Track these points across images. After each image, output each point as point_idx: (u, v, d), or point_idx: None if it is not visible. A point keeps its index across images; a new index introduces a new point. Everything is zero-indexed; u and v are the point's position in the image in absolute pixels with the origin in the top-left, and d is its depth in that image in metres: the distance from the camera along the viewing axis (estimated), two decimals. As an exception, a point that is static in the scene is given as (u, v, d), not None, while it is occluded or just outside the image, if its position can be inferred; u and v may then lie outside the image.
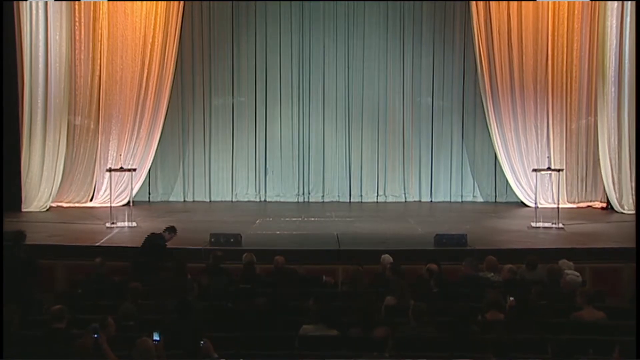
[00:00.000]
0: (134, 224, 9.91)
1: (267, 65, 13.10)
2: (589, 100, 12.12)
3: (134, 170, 10.84)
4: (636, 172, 10.68)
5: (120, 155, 11.39)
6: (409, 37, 13.06)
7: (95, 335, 4.39)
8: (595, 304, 5.64)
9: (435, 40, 13.03)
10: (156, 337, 4.45)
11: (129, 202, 10.66)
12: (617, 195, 11.38)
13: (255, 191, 13.23)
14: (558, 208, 10.05)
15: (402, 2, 12.92)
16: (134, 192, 11.29)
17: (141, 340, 4.39)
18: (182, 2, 12.12)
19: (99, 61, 11.95)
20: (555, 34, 12.00)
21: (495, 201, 13.00)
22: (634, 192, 11.03)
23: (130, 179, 10.86)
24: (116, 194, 11.55)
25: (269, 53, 13.07)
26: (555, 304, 5.89)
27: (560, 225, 9.81)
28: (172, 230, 7.85)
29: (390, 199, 13.16)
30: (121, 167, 10.60)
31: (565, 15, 11.94)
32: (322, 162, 13.26)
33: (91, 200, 12.11)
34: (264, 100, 13.15)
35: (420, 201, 13.16)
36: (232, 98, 13.18)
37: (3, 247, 6.54)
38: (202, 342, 4.53)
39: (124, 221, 9.91)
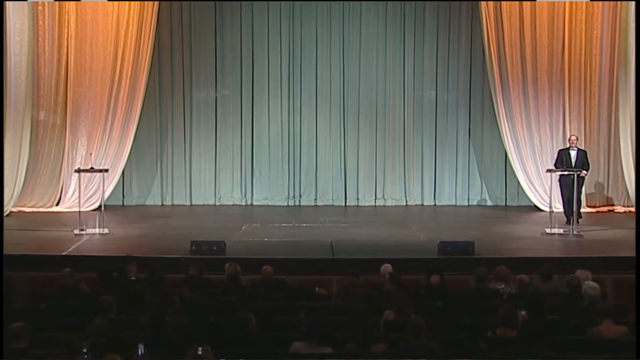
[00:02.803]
0: (106, 230, 9.86)
1: (254, 55, 13.09)
2: (610, 93, 12.16)
3: (106, 170, 10.78)
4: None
5: (91, 154, 11.33)
6: (411, 25, 13.08)
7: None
8: (616, 318, 5.64)
9: (440, 28, 13.06)
10: (141, 350, 4.48)
11: (100, 206, 10.61)
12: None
13: (241, 194, 13.21)
14: (575, 212, 10.05)
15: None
16: (106, 195, 11.24)
17: (108, 357, 4.38)
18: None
19: (65, 49, 11.90)
20: (573, 20, 12.02)
21: (506, 205, 13.03)
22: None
23: (101, 181, 10.81)
24: (86, 198, 11.51)
25: (256, 41, 13.06)
26: (572, 318, 5.89)
27: (578, 231, 9.82)
28: None
29: (389, 203, 13.17)
30: (91, 168, 10.54)
31: (584, -1, 12.00)
32: (315, 162, 13.26)
33: (57, 204, 12.07)
34: (250, 94, 13.14)
35: (422, 205, 13.18)
36: (216, 91, 13.17)
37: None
38: (200, 349, 4.55)
39: (94, 228, 9.87)
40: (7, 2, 10.83)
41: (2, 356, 4.70)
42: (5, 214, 11.23)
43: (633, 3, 11.23)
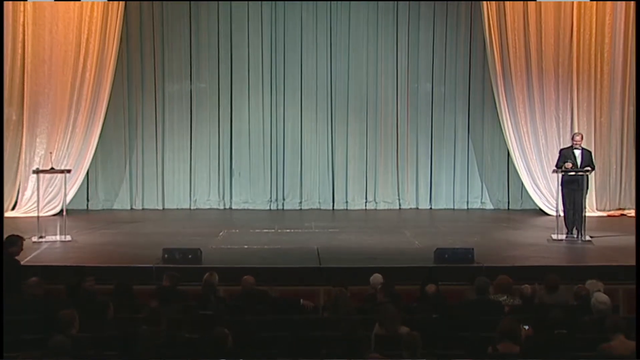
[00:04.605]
0: (68, 237, 9.82)
1: (233, 44, 13.09)
2: (623, 86, 12.25)
3: (68, 171, 10.70)
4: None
5: (51, 153, 11.24)
6: (404, 11, 13.13)
7: None
8: (629, 333, 5.67)
9: (436, 15, 13.11)
10: None
11: (61, 211, 10.54)
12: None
13: (219, 197, 13.20)
14: (584, 216, 10.10)
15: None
16: (68, 198, 11.17)
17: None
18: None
19: (21, 36, 11.81)
20: (582, 5, 12.08)
21: (508, 208, 13.11)
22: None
23: (63, 183, 10.71)
24: (45, 201, 11.45)
25: (234, 29, 13.06)
26: (581, 333, 5.92)
27: (588, 237, 9.87)
28: (14, 241, 7.51)
29: (381, 206, 13.20)
30: (52, 168, 10.47)
31: (594, -18, 12.06)
32: (300, 162, 13.28)
33: (13, 208, 12.00)
34: (228, 87, 13.14)
35: (417, 209, 13.23)
36: (190, 84, 13.16)
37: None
38: None
39: (55, 234, 9.82)
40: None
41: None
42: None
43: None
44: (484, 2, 12.12)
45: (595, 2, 12.03)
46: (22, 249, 7.66)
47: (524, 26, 12.13)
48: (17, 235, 7.63)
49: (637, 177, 10.84)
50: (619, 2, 12.00)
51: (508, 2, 12.08)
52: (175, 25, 12.97)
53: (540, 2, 12.05)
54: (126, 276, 7.69)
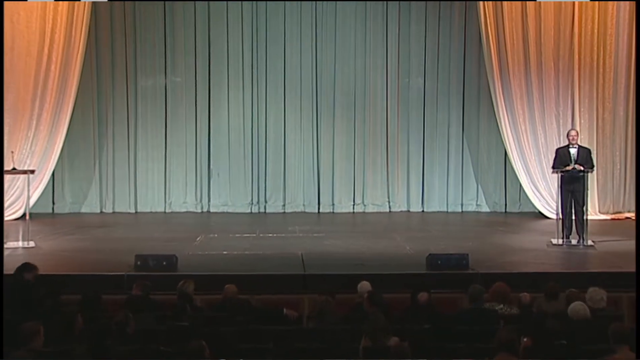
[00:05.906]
0: (32, 243, 9.77)
1: (211, 35, 13.09)
2: (627, 81, 12.33)
3: (32, 172, 10.65)
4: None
5: (13, 152, 11.14)
6: (394, 1, 13.12)
7: None
8: (634, 344, 5.69)
9: (428, 6, 13.16)
10: None
11: (24, 214, 10.51)
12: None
13: (196, 199, 13.19)
14: (586, 220, 10.16)
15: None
16: (32, 201, 11.14)
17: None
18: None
19: (-20, 26, 11.75)
20: (584, -3, 12.18)
21: (505, 211, 13.18)
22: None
23: (26, 184, 10.68)
24: (7, 204, 11.37)
25: (213, 19, 13.06)
26: (582, 344, 5.94)
27: (590, 242, 9.93)
28: (29, 269, 7.51)
29: (370, 209, 13.24)
30: (13, 168, 10.41)
31: (596, -28, 12.14)
32: (283, 161, 13.29)
33: (-28, 212, 11.93)
34: (206, 81, 13.14)
35: (408, 211, 13.28)
36: (165, 78, 13.14)
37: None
38: None
39: (17, 240, 9.78)
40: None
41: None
42: None
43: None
44: (481, -5, 12.18)
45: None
46: (34, 280, 7.48)
47: (522, 17, 12.18)
48: (32, 264, 7.52)
49: (637, 179, 10.91)
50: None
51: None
52: (149, 14, 12.94)
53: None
54: (95, 285, 7.66)
